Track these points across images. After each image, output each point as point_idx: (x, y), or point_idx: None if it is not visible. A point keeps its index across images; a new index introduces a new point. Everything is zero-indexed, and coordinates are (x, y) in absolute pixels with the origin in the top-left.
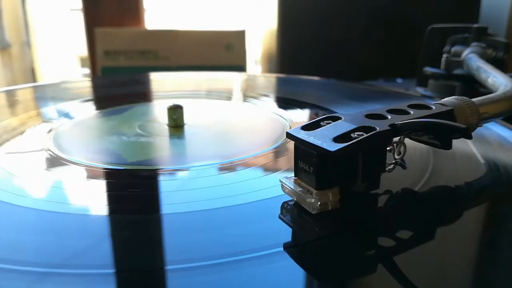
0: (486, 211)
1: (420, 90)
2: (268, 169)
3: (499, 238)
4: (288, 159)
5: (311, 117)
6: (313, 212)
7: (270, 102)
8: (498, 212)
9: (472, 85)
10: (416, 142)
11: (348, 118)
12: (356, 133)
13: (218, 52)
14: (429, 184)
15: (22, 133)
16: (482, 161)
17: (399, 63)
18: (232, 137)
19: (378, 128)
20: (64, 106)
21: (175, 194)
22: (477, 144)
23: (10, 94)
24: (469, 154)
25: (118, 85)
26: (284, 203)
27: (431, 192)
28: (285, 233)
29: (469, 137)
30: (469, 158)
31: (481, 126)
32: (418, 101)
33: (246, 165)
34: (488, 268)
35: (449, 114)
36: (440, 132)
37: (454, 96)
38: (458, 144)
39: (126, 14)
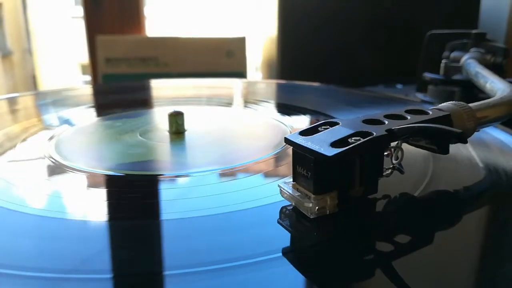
0: (485, 216)
1: (420, 95)
2: (268, 174)
3: (499, 243)
4: (288, 164)
5: (311, 123)
6: (311, 217)
7: (270, 108)
8: (498, 217)
9: (471, 91)
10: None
11: (345, 124)
12: (353, 138)
13: (219, 58)
14: (428, 188)
15: (23, 140)
16: (481, 165)
17: (399, 69)
18: (233, 143)
19: (375, 133)
20: (66, 113)
21: (175, 200)
22: (476, 148)
23: (11, 102)
24: (469, 158)
25: (119, 92)
26: (282, 207)
27: (430, 196)
28: (284, 238)
29: (465, 141)
30: (468, 162)
31: (478, 130)
32: (415, 107)
33: (246, 171)
34: (488, 273)
35: (446, 119)
36: (437, 137)
37: (451, 101)
38: (458, 148)
39: (127, 22)
